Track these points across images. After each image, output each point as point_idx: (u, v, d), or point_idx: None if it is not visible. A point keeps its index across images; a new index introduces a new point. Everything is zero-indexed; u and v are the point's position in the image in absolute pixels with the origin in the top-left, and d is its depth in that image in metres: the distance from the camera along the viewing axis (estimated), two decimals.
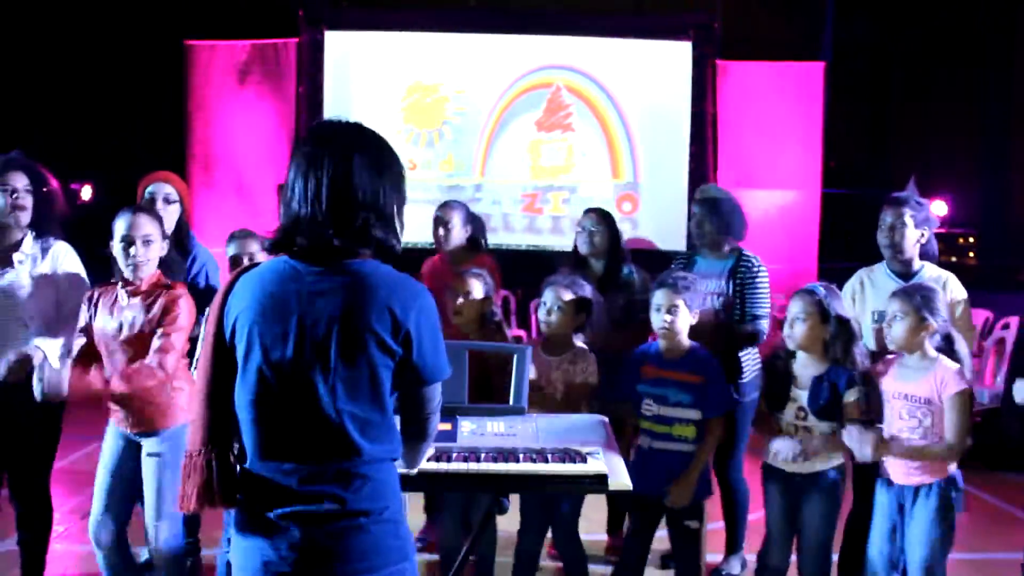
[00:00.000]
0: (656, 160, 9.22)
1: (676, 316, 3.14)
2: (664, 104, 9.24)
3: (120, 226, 2.96)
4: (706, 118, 9.12)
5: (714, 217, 3.79)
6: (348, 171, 1.65)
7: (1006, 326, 6.57)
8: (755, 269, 3.76)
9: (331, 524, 1.64)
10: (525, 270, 7.57)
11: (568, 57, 9.25)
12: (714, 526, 4.03)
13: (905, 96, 13.43)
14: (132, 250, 2.91)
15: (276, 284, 1.67)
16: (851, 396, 3.00)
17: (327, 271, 1.66)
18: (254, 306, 1.67)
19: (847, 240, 8.75)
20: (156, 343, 2.92)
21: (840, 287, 3.32)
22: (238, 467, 1.75)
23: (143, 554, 3.54)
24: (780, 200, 9.05)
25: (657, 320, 3.16)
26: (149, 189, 3.61)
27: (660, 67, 9.30)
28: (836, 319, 3.03)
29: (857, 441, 2.88)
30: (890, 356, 3.08)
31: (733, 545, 3.90)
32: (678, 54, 9.25)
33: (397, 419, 1.78)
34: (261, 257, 3.39)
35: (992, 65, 12.60)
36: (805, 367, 3.10)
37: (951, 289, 3.35)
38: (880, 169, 13.07)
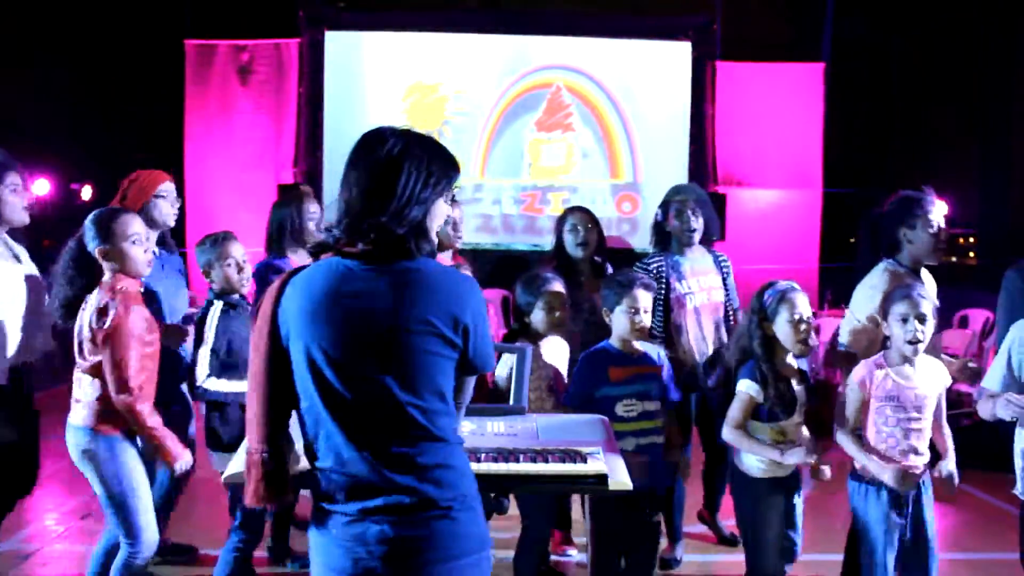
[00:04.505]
0: (656, 160, 9.22)
1: (649, 316, 3.20)
2: (664, 104, 9.24)
3: (137, 226, 2.89)
4: (705, 118, 9.12)
5: (709, 214, 3.94)
6: (386, 173, 1.68)
7: None
8: (728, 262, 4.02)
9: (417, 514, 1.66)
10: (524, 270, 7.57)
11: (568, 57, 9.25)
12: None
13: (905, 96, 13.42)
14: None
15: (329, 284, 1.68)
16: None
17: (379, 269, 1.68)
18: (308, 307, 1.68)
19: (847, 240, 8.75)
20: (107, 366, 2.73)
21: (839, 287, 3.30)
22: (308, 465, 1.75)
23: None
24: (780, 200, 9.05)
25: (642, 321, 3.13)
26: (164, 187, 3.60)
27: (660, 68, 9.29)
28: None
29: (894, 480, 2.84)
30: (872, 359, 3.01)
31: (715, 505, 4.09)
32: (678, 55, 9.25)
33: None
34: (240, 261, 3.21)
35: (992, 65, 12.60)
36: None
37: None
38: (880, 169, 13.08)
